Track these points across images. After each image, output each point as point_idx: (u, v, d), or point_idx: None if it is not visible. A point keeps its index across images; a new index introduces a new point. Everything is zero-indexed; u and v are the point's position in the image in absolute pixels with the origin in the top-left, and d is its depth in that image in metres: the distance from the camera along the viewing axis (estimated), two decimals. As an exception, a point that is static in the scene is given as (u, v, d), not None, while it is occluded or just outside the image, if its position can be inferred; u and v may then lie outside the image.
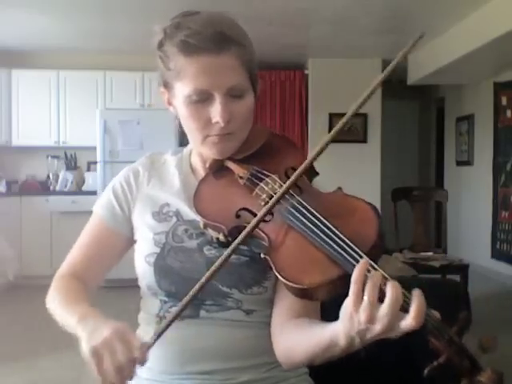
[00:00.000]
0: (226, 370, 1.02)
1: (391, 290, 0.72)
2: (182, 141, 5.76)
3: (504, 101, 5.91)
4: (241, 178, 0.98)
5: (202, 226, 0.99)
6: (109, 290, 4.34)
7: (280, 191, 0.88)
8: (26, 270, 5.41)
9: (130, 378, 0.84)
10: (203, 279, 0.83)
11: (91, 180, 5.80)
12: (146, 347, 0.84)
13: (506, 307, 4.76)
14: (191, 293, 0.83)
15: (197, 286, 0.83)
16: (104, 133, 5.47)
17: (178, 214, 1.06)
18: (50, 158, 6.04)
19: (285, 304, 0.99)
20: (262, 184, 0.95)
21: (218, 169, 1.02)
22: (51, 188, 5.95)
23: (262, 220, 0.87)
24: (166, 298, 1.04)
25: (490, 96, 6.13)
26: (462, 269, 3.89)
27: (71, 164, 6.03)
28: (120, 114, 5.53)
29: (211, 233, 0.99)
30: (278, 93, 6.37)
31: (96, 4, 4.44)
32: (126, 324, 0.86)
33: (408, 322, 0.71)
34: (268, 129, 1.09)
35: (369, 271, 0.75)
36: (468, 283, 3.84)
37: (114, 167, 5.38)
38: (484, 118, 6.31)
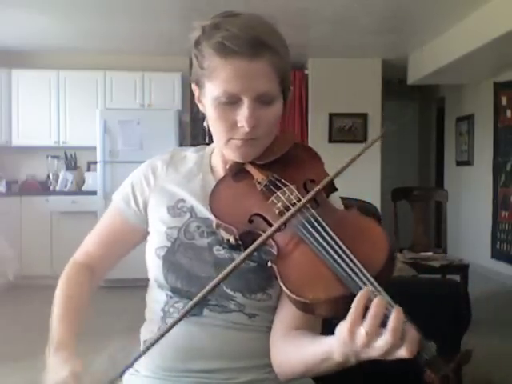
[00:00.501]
0: (227, 369, 1.02)
1: (394, 318, 0.71)
2: (183, 141, 5.76)
3: (504, 101, 5.91)
4: (259, 183, 0.99)
5: (214, 225, 1.00)
6: (109, 289, 4.34)
7: (298, 204, 0.88)
8: (26, 269, 5.40)
9: None
10: (209, 285, 0.83)
11: (91, 180, 5.80)
12: None
13: (506, 307, 4.76)
14: (196, 298, 0.83)
15: (203, 292, 0.83)
16: (104, 133, 5.47)
17: (192, 210, 1.07)
18: (50, 158, 6.04)
19: (287, 315, 0.99)
20: (278, 192, 0.95)
21: (237, 171, 1.03)
22: (51, 188, 5.95)
23: (277, 231, 0.87)
24: (171, 293, 1.05)
25: (490, 96, 6.13)
26: (462, 269, 3.89)
27: (71, 164, 6.03)
28: (120, 113, 5.52)
29: (222, 234, 0.99)
30: (278, 93, 6.37)
31: (96, 4, 4.44)
32: (84, 371, 0.93)
33: (401, 352, 0.71)
34: (294, 137, 1.10)
35: (375, 295, 0.74)
36: (468, 283, 3.84)
37: (114, 167, 5.38)
38: (484, 118, 6.31)
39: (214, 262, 1.01)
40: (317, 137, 6.23)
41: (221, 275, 0.83)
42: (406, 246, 4.34)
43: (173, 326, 0.85)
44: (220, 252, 1.02)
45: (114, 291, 4.49)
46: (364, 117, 6.27)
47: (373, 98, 6.25)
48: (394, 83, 6.79)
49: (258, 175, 1.00)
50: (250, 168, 1.02)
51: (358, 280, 0.77)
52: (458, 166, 6.99)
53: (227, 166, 1.05)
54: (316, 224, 0.87)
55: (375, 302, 0.73)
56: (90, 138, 5.60)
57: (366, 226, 0.87)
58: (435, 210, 6.42)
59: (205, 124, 1.06)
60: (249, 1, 4.36)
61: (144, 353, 0.85)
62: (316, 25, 5.04)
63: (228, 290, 1.00)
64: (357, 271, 0.78)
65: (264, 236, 0.86)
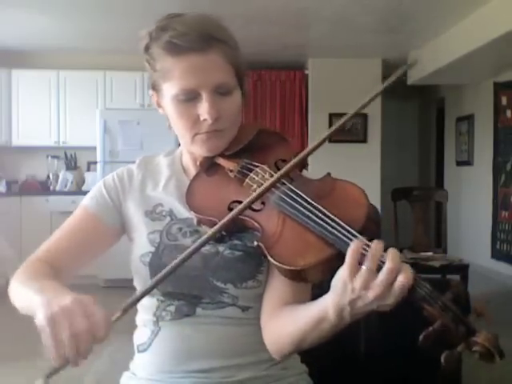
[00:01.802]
0: (224, 367, 1.02)
1: (391, 257, 0.74)
2: (182, 141, 5.76)
3: (504, 101, 5.91)
4: (231, 171, 1.00)
5: (195, 222, 1.00)
6: (109, 289, 4.34)
7: (271, 180, 0.90)
8: (26, 269, 5.40)
9: (85, 356, 0.76)
10: (179, 258, 0.82)
11: (91, 180, 5.80)
12: (109, 323, 0.77)
13: (506, 307, 4.76)
14: (165, 271, 0.82)
15: (173, 264, 0.82)
16: (104, 133, 5.47)
17: (171, 213, 1.06)
18: (49, 157, 6.04)
19: (275, 295, 1.00)
20: (252, 174, 0.97)
21: (209, 166, 1.04)
22: (51, 188, 5.95)
23: (251, 207, 0.89)
24: (162, 298, 1.04)
25: (490, 96, 6.13)
26: (462, 269, 3.88)
27: (71, 164, 6.03)
28: (120, 113, 5.52)
29: (206, 229, 0.99)
30: (278, 93, 6.37)
31: (96, 4, 4.44)
32: (91, 297, 0.79)
33: (398, 281, 0.73)
34: (258, 124, 1.11)
35: (365, 249, 0.77)
36: (468, 283, 3.84)
37: (114, 167, 5.27)
38: (484, 118, 6.31)
39: (200, 259, 1.00)
40: (317, 137, 6.20)
41: (194, 245, 0.83)
42: (406, 246, 4.33)
43: (150, 289, 0.84)
44: (206, 248, 1.00)
45: (114, 291, 4.49)
46: (364, 117, 6.27)
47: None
48: (394, 83, 6.79)
49: (228, 164, 1.01)
50: (220, 160, 1.03)
51: (343, 237, 0.80)
52: (457, 165, 6.99)
53: (197, 163, 1.05)
54: (293, 195, 0.89)
55: (373, 244, 0.77)
56: (89, 138, 5.60)
57: (341, 187, 0.91)
58: (435, 210, 6.42)
59: (168, 126, 1.06)
60: (249, 1, 4.36)
61: (143, 295, 0.83)
62: (316, 25, 5.03)
63: (219, 283, 1.00)
64: (340, 229, 0.81)
65: (238, 208, 0.86)
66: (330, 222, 0.82)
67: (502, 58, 5.12)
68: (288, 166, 0.90)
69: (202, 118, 0.97)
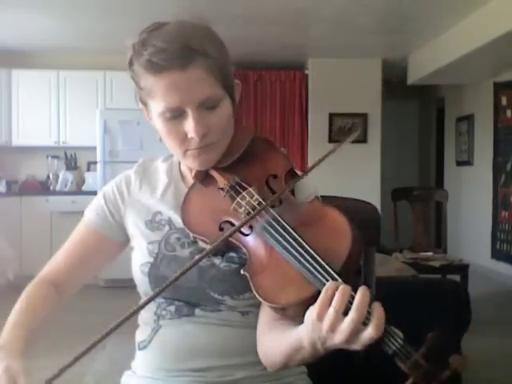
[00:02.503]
0: (222, 367, 1.02)
1: (359, 297, 0.73)
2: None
3: (504, 101, 5.91)
4: (221, 189, 0.99)
5: (191, 237, 1.01)
6: (109, 289, 4.34)
7: (253, 212, 0.89)
8: (26, 270, 5.39)
9: None
10: (170, 279, 0.83)
11: (91, 180, 5.80)
12: None
13: (506, 307, 4.76)
14: (154, 293, 0.84)
15: (162, 287, 0.83)
16: (104, 133, 5.47)
17: (170, 222, 1.06)
18: (50, 157, 6.04)
19: (267, 308, 0.99)
20: (238, 198, 0.95)
21: (203, 177, 1.03)
22: (51, 188, 5.95)
23: (240, 232, 0.89)
24: (162, 300, 1.05)
25: (490, 96, 6.13)
26: (462, 269, 3.89)
27: (71, 164, 6.03)
28: (120, 113, 5.52)
29: (200, 244, 1.01)
30: (277, 93, 6.37)
31: (96, 4, 4.44)
32: (24, 367, 0.89)
33: (368, 331, 0.72)
34: (251, 130, 1.08)
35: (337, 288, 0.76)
36: (468, 283, 3.84)
37: (114, 167, 5.38)
38: (484, 118, 6.31)
39: (197, 271, 1.00)
40: (317, 137, 6.23)
41: (182, 269, 0.83)
42: (406, 246, 4.33)
43: (126, 319, 0.82)
44: (202, 261, 1.01)
45: (114, 291, 4.49)
46: (364, 117, 6.27)
47: (373, 98, 6.25)
48: (394, 83, 6.79)
49: (220, 180, 1.00)
50: (213, 173, 1.01)
51: (322, 278, 0.79)
52: (457, 165, 6.99)
53: (192, 174, 1.04)
54: (276, 225, 0.88)
55: (341, 286, 0.76)
56: (90, 138, 5.60)
57: (329, 217, 0.89)
58: (435, 210, 6.42)
59: (159, 139, 1.04)
60: (249, 1, 4.36)
61: (90, 347, 0.83)
62: (316, 25, 5.03)
63: (216, 295, 1.00)
64: (320, 269, 0.80)
65: (230, 231, 0.87)
66: (310, 260, 0.81)
67: (502, 57, 5.12)
68: (273, 198, 0.90)
69: (189, 136, 0.95)
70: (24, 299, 1.07)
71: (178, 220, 1.05)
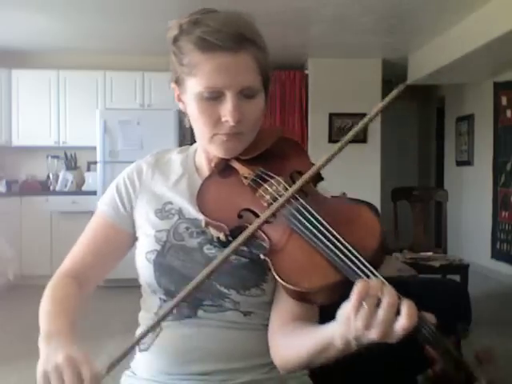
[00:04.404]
0: (225, 370, 1.01)
1: (387, 297, 0.73)
2: (183, 141, 5.76)
3: (504, 101, 5.91)
4: (245, 178, 0.98)
5: (203, 224, 0.98)
6: (109, 289, 4.34)
7: (286, 194, 0.87)
8: (26, 270, 5.41)
9: None
10: (199, 277, 0.82)
11: (91, 180, 5.80)
12: (98, 379, 0.81)
13: (506, 307, 4.76)
14: (184, 292, 0.82)
15: (192, 284, 0.82)
16: (104, 133, 5.47)
17: (180, 212, 1.05)
18: (50, 157, 6.04)
19: (283, 308, 0.98)
20: (266, 185, 0.95)
21: (223, 168, 1.02)
22: (51, 188, 5.95)
23: (265, 222, 0.86)
24: (164, 297, 1.04)
25: (490, 96, 6.13)
26: (462, 269, 3.89)
27: (71, 164, 6.03)
28: (120, 113, 5.52)
29: (212, 232, 0.98)
30: (277, 93, 6.37)
31: (96, 4, 4.44)
32: (84, 353, 0.84)
33: (400, 322, 0.72)
34: (279, 131, 1.09)
35: (368, 276, 0.76)
36: (468, 283, 3.84)
37: (114, 167, 5.38)
38: (484, 118, 6.31)
39: (205, 261, 0.99)
40: (317, 137, 6.23)
41: (210, 266, 0.82)
42: (406, 246, 4.33)
43: (162, 318, 0.85)
44: (211, 251, 1.01)
45: (113, 291, 4.49)
46: (364, 117, 6.26)
47: (373, 98, 6.24)
48: (394, 83, 6.79)
49: (243, 170, 0.99)
50: (235, 164, 1.01)
51: (352, 265, 0.78)
52: (457, 166, 6.99)
53: (212, 164, 1.03)
54: (306, 213, 0.86)
55: (372, 283, 0.74)
56: (89, 138, 5.60)
57: (356, 212, 0.88)
58: (435, 210, 6.42)
59: (186, 122, 1.04)
60: (249, 1, 4.36)
61: (134, 345, 0.85)
62: (316, 25, 5.03)
63: (222, 288, 0.99)
64: (350, 256, 0.78)
65: (250, 228, 0.85)
66: (341, 247, 0.79)
67: (501, 58, 5.12)
68: (303, 179, 0.88)
69: (223, 119, 0.95)
70: (52, 292, 1.04)
71: (188, 210, 1.04)
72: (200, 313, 1.01)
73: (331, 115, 6.26)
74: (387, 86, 6.50)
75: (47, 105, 5.87)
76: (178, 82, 1.00)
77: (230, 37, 0.92)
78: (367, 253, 0.79)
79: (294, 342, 0.93)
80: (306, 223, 0.85)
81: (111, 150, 5.47)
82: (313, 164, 0.95)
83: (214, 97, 0.94)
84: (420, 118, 8.03)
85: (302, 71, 6.42)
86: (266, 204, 0.92)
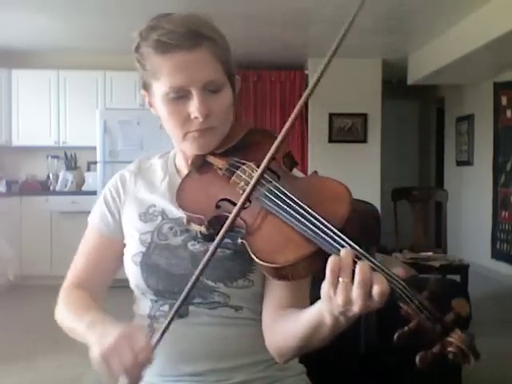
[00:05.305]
0: (217, 370, 1.02)
1: (359, 271, 0.73)
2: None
3: (504, 101, 5.91)
4: (220, 169, 1.00)
5: (185, 221, 1.00)
6: (109, 289, 4.34)
7: (255, 176, 0.89)
8: (26, 269, 5.40)
9: (140, 379, 0.86)
10: (195, 275, 0.84)
11: (91, 180, 5.80)
12: (151, 349, 0.85)
13: (505, 307, 4.76)
14: (186, 290, 0.85)
15: (190, 283, 0.84)
16: (104, 133, 5.47)
17: (163, 213, 1.07)
18: (50, 157, 6.04)
19: (273, 297, 1.00)
20: (238, 171, 0.97)
21: (200, 165, 1.04)
22: (51, 188, 5.95)
23: (242, 208, 0.89)
24: (154, 297, 1.05)
25: (489, 96, 6.13)
26: (462, 269, 3.89)
27: (71, 164, 6.03)
28: (120, 113, 5.53)
29: (194, 227, 1.00)
30: (277, 93, 6.37)
31: (95, 4, 4.44)
32: (132, 325, 0.88)
33: (375, 288, 0.72)
34: (250, 124, 1.11)
35: (341, 245, 0.76)
36: (468, 283, 3.84)
37: (114, 167, 5.38)
38: (484, 118, 6.31)
39: (190, 257, 1.01)
40: (317, 137, 6.23)
41: (200, 266, 0.84)
42: (406, 246, 4.33)
43: (166, 328, 0.86)
44: (195, 247, 1.02)
45: (113, 291, 4.48)
46: (364, 117, 6.27)
47: (373, 98, 6.25)
48: (394, 83, 6.79)
49: (218, 162, 1.01)
50: (210, 158, 1.03)
51: (322, 234, 0.79)
52: (457, 165, 6.99)
53: (189, 162, 1.06)
54: (277, 192, 0.89)
55: (343, 255, 0.75)
56: (89, 138, 5.60)
57: (326, 185, 0.90)
58: (435, 210, 6.42)
59: (159, 126, 1.07)
60: (249, 1, 4.37)
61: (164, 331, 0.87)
62: (316, 25, 5.03)
63: (209, 282, 1.00)
64: (320, 225, 0.80)
65: (231, 216, 0.87)
66: (310, 218, 0.81)
67: (501, 58, 5.12)
68: (267, 155, 0.89)
69: (192, 116, 0.97)
70: (67, 299, 1.08)
71: (171, 211, 1.06)
72: (192, 311, 1.02)
73: (331, 115, 6.25)
74: (387, 86, 6.50)
75: (47, 105, 5.87)
76: (146, 87, 1.04)
77: (186, 35, 0.94)
78: (337, 221, 0.80)
79: (286, 327, 0.94)
80: (277, 201, 0.87)
81: (111, 150, 5.48)
82: (285, 146, 0.98)
83: (180, 96, 0.97)
84: (420, 118, 8.03)
85: (302, 71, 6.42)
86: (240, 191, 0.94)
